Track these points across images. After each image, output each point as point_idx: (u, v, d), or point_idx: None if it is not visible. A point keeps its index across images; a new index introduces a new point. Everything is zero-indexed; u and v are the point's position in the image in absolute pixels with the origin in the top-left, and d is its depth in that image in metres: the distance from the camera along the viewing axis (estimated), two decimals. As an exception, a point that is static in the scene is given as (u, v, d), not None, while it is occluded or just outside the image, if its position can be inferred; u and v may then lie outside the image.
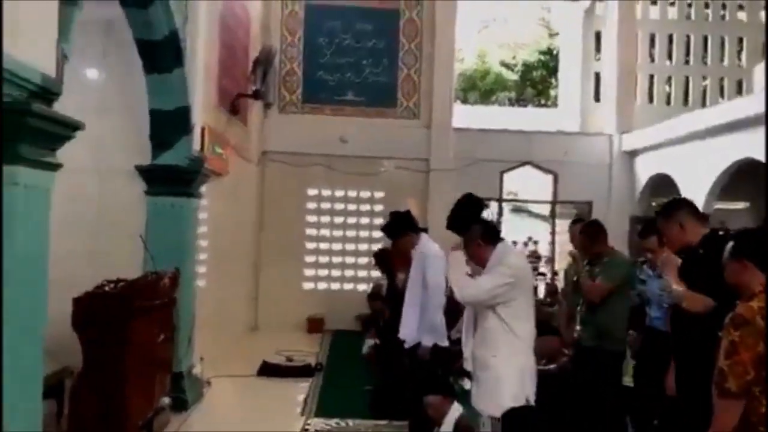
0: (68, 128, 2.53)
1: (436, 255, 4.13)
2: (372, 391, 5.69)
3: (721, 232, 3.66)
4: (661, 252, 4.01)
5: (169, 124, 5.04)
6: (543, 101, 16.11)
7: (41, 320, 2.51)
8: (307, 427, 4.95)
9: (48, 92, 2.42)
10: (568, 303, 4.96)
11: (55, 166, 2.52)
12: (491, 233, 3.27)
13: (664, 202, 10.00)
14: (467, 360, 3.35)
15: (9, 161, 2.24)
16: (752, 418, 2.15)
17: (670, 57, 12.59)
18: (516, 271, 3.16)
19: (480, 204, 3.40)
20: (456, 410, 3.50)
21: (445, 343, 4.28)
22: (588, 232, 4.44)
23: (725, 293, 2.59)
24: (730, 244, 2.38)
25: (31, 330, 2.45)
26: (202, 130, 5.61)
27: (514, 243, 11.19)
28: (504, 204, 10.27)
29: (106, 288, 4.22)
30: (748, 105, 7.26)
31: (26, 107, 2.24)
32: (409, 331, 4.25)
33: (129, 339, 4.17)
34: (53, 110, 2.45)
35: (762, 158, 6.77)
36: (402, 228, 4.25)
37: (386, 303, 5.33)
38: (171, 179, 5.13)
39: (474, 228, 3.23)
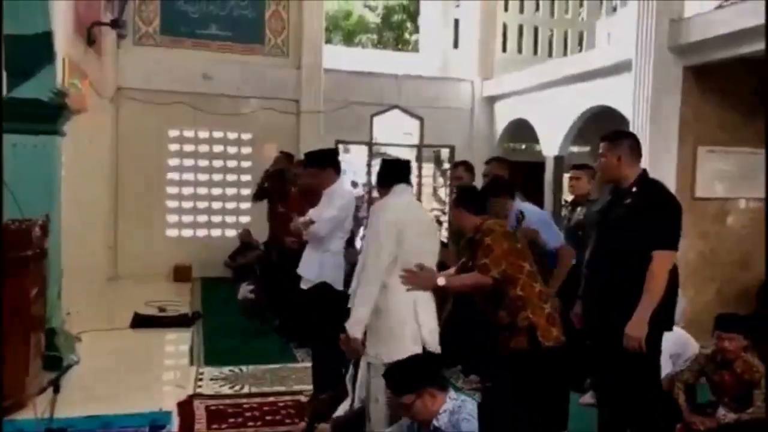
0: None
1: (343, 194, 4.08)
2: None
3: None
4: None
5: (28, 51, 4.41)
6: (401, 46, 16.25)
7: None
8: (200, 376, 4.78)
9: None
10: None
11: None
12: None
13: (522, 146, 10.53)
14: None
15: None
16: (533, 298, 3.06)
17: (521, 10, 13.20)
18: None
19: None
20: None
21: (339, 287, 4.24)
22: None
23: (642, 232, 2.86)
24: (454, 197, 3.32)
25: None
26: (62, 60, 4.99)
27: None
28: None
29: (-31, 239, 3.69)
30: (599, 56, 7.89)
31: None
32: (308, 269, 4.16)
33: (1, 296, 3.72)
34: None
35: (614, 105, 7.43)
36: (326, 162, 4.10)
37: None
38: (32, 115, 4.51)
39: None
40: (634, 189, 2.99)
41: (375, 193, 10.35)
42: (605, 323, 2.98)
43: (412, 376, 2.59)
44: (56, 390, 2.79)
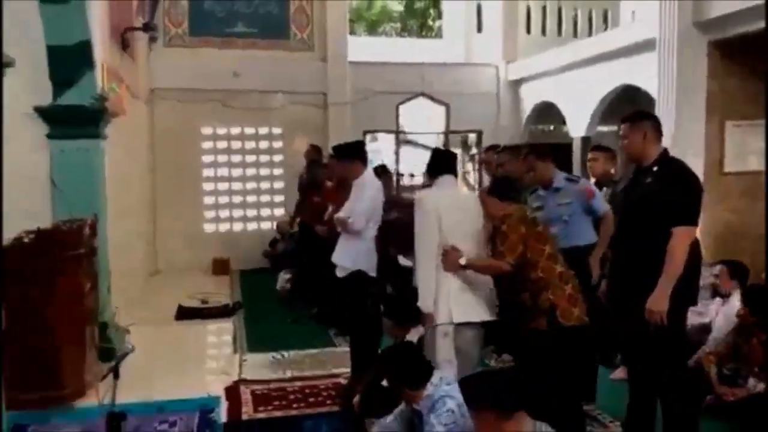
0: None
1: (372, 185, 4.23)
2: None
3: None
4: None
5: (70, 60, 4.65)
6: (425, 33, 16.29)
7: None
8: (244, 362, 5.00)
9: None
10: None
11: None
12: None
13: (549, 128, 10.53)
14: None
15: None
16: (554, 280, 3.16)
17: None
18: None
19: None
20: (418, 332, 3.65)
21: (373, 273, 4.41)
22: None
23: (663, 209, 2.95)
24: (487, 186, 3.61)
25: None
26: (101, 67, 5.22)
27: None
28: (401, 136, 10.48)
29: (26, 240, 3.96)
30: (623, 35, 7.86)
31: None
32: (343, 257, 4.32)
33: (57, 292, 3.99)
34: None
35: (639, 83, 7.41)
36: (354, 154, 4.27)
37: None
38: (76, 120, 4.78)
39: None
40: (655, 168, 3.06)
41: (403, 181, 10.61)
42: (629, 299, 3.07)
43: (394, 373, 3.00)
44: (116, 376, 3.01)
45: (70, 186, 4.73)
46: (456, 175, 3.75)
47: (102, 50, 5.26)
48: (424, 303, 3.42)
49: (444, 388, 2.85)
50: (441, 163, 3.68)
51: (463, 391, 2.42)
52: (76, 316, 4.15)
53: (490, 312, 3.48)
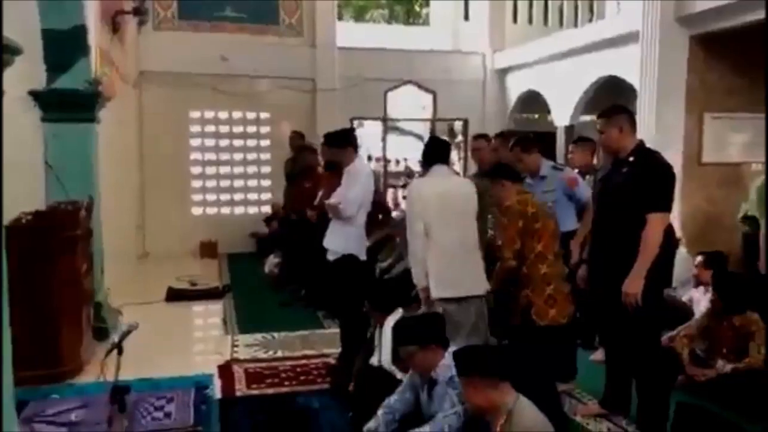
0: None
1: (363, 172, 4.36)
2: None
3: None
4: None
5: (64, 45, 4.70)
6: (412, 20, 16.34)
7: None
8: (236, 343, 5.14)
9: None
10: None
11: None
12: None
13: (534, 116, 10.70)
14: None
15: None
16: (536, 279, 3.34)
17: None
18: None
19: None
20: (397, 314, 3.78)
21: (363, 257, 4.56)
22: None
23: (638, 197, 3.12)
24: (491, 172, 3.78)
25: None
26: (95, 51, 5.27)
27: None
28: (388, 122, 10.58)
29: (24, 221, 4.05)
30: (607, 27, 8.01)
31: None
32: (334, 242, 4.45)
33: (55, 273, 4.09)
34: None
35: (622, 75, 7.58)
36: (346, 141, 4.38)
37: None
38: (71, 104, 4.84)
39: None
40: (631, 158, 3.23)
41: (390, 167, 10.73)
42: (607, 283, 3.24)
43: (419, 331, 2.91)
44: (120, 352, 3.15)
45: (65, 169, 4.80)
46: (448, 164, 3.93)
47: (95, 34, 5.30)
48: (417, 279, 3.67)
49: None
50: (434, 153, 3.86)
51: (455, 362, 2.58)
52: (74, 296, 4.26)
53: (471, 288, 3.62)
